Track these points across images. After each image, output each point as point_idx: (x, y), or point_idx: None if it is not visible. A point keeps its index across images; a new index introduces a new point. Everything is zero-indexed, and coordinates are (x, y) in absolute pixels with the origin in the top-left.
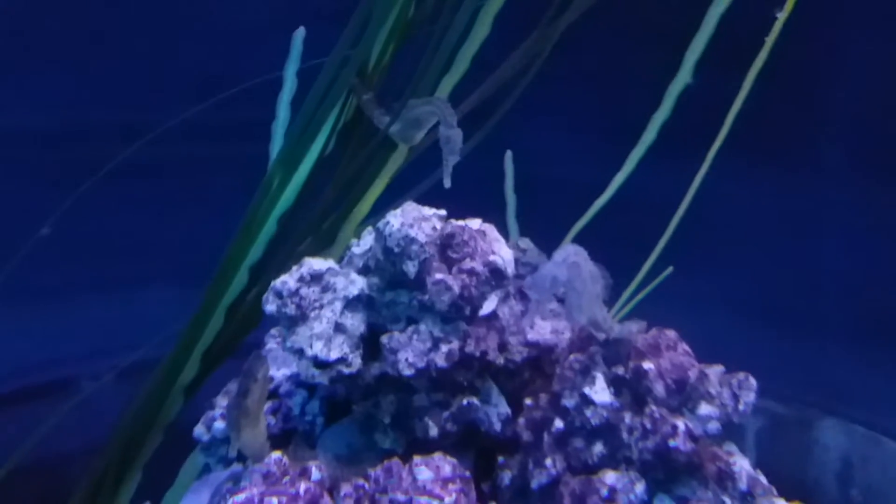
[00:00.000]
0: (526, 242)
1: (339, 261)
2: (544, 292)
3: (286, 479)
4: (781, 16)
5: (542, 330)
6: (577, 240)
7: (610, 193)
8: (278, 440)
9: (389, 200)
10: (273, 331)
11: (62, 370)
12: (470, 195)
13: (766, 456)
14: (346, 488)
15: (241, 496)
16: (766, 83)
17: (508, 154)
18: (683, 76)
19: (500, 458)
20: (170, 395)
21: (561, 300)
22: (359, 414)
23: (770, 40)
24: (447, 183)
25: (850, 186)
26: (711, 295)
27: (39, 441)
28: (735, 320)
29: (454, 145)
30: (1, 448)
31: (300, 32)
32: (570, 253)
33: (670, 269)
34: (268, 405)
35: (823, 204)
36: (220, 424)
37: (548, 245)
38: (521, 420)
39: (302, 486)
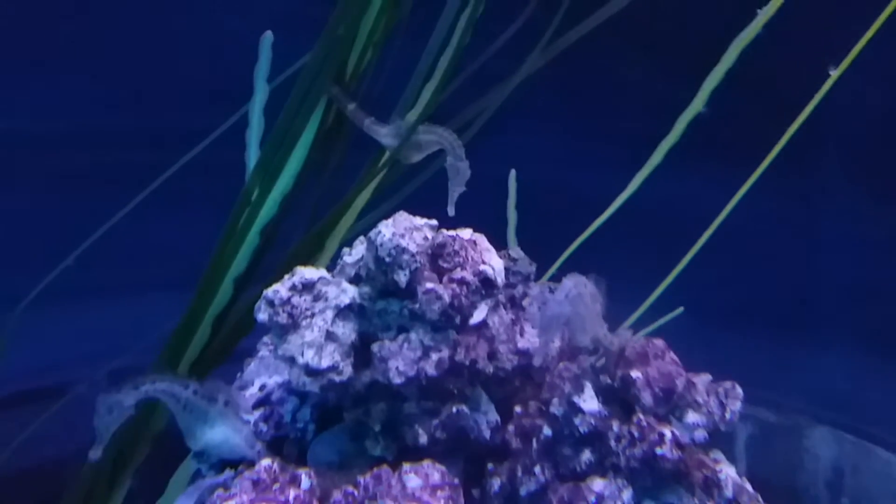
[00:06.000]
0: (517, 251)
1: (328, 269)
2: (553, 332)
3: (276, 486)
4: (835, 73)
5: (533, 338)
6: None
7: (611, 211)
8: (270, 447)
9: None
10: (265, 338)
11: (58, 375)
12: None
13: (756, 463)
14: (336, 496)
15: (230, 503)
16: (763, 93)
17: (512, 173)
18: (697, 104)
19: (490, 465)
20: (158, 407)
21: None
22: (349, 421)
23: (819, 96)
24: (451, 211)
25: (848, 197)
26: (702, 302)
27: (34, 445)
28: (727, 328)
29: (462, 177)
30: None
31: (268, 37)
32: (571, 287)
33: (680, 309)
34: (259, 412)
35: (819, 214)
36: None
37: (542, 253)
38: (511, 427)
39: (291, 494)
